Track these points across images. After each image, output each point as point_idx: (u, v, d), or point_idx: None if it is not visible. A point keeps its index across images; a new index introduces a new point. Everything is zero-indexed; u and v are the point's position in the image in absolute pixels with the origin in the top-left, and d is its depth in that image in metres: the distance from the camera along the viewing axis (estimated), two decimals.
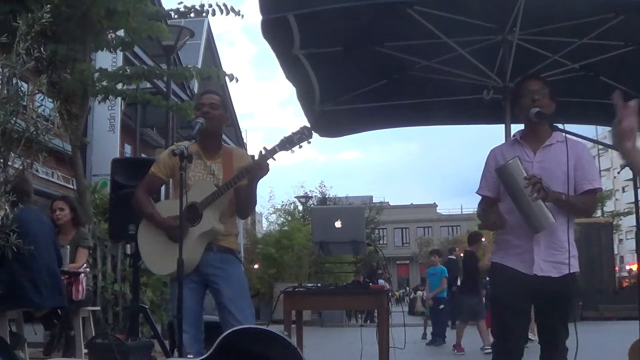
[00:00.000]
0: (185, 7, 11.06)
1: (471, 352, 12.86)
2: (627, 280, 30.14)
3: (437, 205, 75.91)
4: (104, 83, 10.66)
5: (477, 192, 4.39)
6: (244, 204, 4.59)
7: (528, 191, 3.87)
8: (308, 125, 4.47)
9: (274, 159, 4.36)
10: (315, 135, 7.29)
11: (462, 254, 20.20)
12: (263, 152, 4.36)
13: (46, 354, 6.95)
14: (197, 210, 4.43)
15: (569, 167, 4.02)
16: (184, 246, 4.18)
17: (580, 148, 4.17)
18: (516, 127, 4.89)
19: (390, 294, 6.25)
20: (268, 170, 4.40)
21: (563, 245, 4.05)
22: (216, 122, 4.59)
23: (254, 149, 5.00)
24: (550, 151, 4.13)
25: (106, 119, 18.44)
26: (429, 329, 15.77)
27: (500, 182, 4.11)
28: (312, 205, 32.68)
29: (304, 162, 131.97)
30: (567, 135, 4.04)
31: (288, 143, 4.35)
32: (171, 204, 4.56)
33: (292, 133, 4.37)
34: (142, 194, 4.67)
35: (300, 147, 4.38)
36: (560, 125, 3.99)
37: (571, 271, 4.06)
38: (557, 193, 3.96)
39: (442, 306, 14.40)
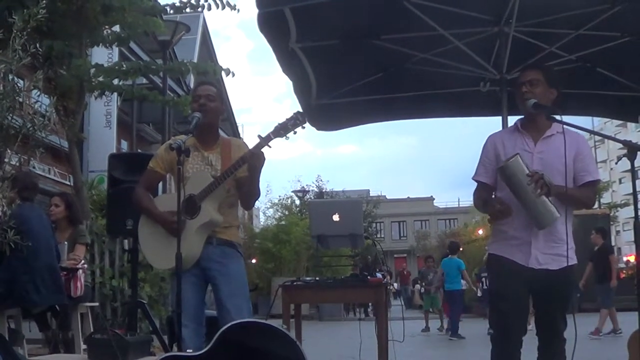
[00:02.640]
0: (180, 1, 11.03)
1: (473, 341, 12.91)
2: (624, 271, 30.12)
3: (434, 199, 75.80)
4: (100, 79, 10.62)
5: (473, 178, 4.38)
6: (247, 195, 4.59)
7: (531, 188, 3.87)
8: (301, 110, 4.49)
9: (269, 147, 4.37)
10: (312, 129, 7.34)
11: (460, 249, 20.23)
12: (258, 140, 4.37)
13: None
14: (195, 202, 4.42)
15: (569, 158, 4.03)
16: (183, 240, 4.18)
17: (580, 140, 4.19)
18: (512, 119, 4.89)
19: (389, 287, 6.26)
20: (264, 158, 4.40)
21: (562, 238, 4.05)
22: (213, 115, 4.58)
23: (251, 143, 5.01)
24: (550, 142, 4.13)
25: (102, 115, 18.35)
26: (432, 322, 15.92)
27: (502, 180, 4.10)
28: (309, 200, 32.66)
29: (301, 156, 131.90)
30: (566, 126, 4.05)
31: (282, 129, 4.36)
32: (170, 198, 4.56)
33: (286, 119, 4.38)
34: (141, 189, 4.68)
35: (295, 132, 4.39)
36: (557, 117, 4.01)
37: (570, 264, 4.08)
38: (559, 187, 3.97)
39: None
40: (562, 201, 4.01)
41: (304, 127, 4.42)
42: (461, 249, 21.10)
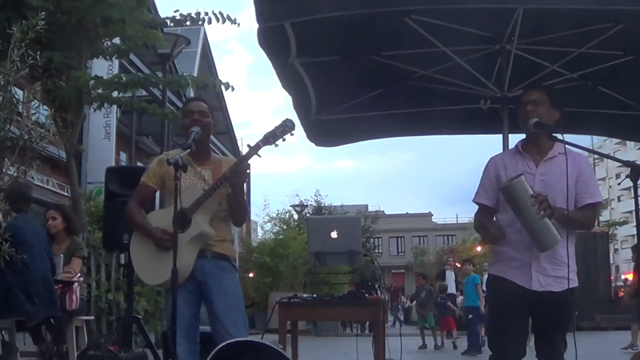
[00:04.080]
0: (181, 15, 11.02)
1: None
2: (622, 289, 30.10)
3: (432, 215, 75.78)
4: (100, 91, 10.60)
5: (474, 200, 4.34)
6: (234, 211, 4.59)
7: (535, 209, 3.82)
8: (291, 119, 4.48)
9: (259, 156, 4.37)
10: (311, 144, 7.32)
11: (458, 264, 20.23)
12: (247, 149, 4.38)
13: None
14: (185, 215, 4.38)
15: (571, 180, 3.99)
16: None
17: (582, 161, 4.16)
18: (513, 137, 4.84)
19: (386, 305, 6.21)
20: (245, 175, 4.47)
21: (563, 260, 4.01)
22: (206, 130, 4.58)
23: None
24: (552, 164, 4.09)
25: (102, 127, 18.37)
26: (429, 340, 15.84)
27: (505, 201, 4.05)
28: (307, 214, 32.59)
29: (299, 170, 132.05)
30: (568, 147, 4.01)
31: (271, 137, 4.36)
32: (163, 214, 4.53)
33: (275, 127, 4.37)
34: (133, 204, 4.64)
35: (284, 140, 4.38)
36: (559, 136, 3.97)
37: (571, 286, 4.03)
38: (562, 209, 3.92)
39: (470, 316, 14.47)
40: (562, 224, 3.97)
41: (292, 134, 4.42)
42: (459, 265, 21.09)
